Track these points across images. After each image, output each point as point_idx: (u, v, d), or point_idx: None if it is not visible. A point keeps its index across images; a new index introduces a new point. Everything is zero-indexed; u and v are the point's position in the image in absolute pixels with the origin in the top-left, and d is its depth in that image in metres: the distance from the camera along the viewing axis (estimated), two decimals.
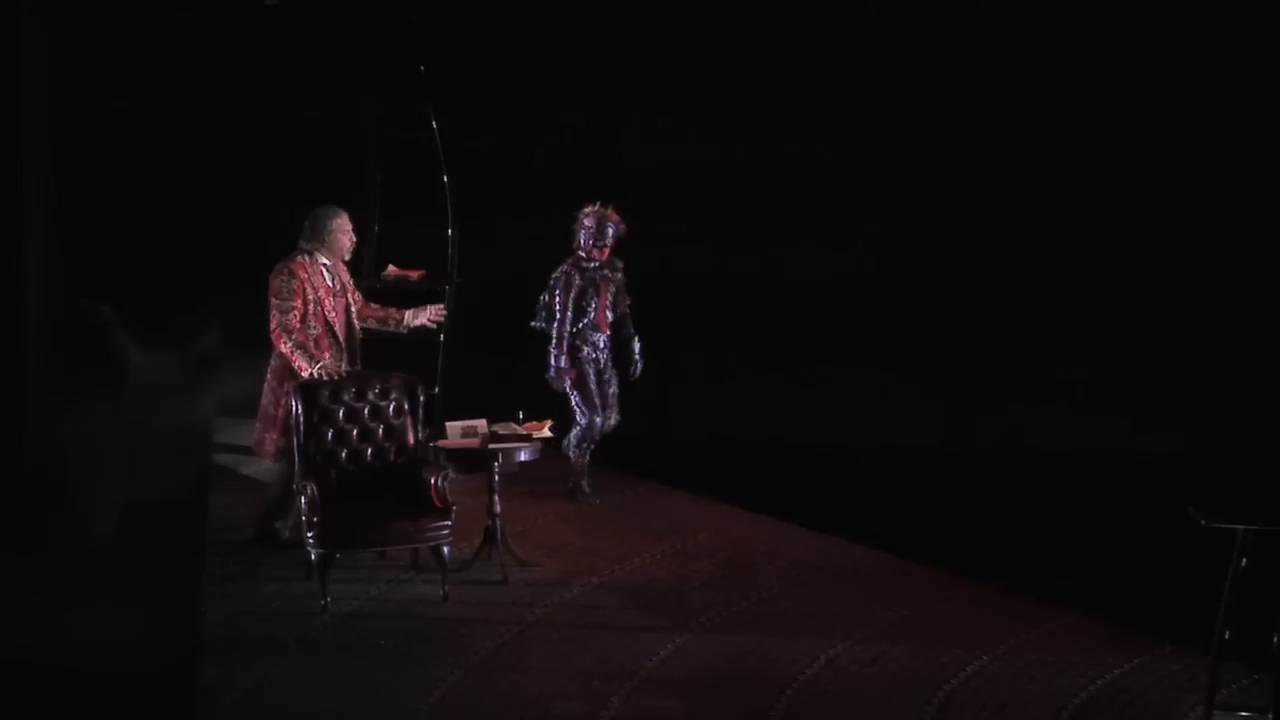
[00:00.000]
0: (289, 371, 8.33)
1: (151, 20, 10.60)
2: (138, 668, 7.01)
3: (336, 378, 8.26)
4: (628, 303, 9.35)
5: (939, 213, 10.77)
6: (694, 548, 8.71)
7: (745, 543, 8.78)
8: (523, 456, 8.29)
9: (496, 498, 8.29)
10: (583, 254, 9.18)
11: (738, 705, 6.79)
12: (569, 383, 9.24)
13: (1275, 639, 6.48)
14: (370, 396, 8.26)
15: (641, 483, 9.82)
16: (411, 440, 8.28)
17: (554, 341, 9.20)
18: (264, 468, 9.16)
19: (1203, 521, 6.55)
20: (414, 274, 9.69)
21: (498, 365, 10.50)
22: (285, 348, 8.28)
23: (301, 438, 8.10)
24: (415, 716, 6.66)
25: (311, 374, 8.23)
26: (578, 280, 9.16)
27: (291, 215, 8.64)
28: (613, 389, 9.37)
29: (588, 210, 9.18)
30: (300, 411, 8.10)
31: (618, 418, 9.38)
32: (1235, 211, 10.49)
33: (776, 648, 7.32)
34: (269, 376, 8.46)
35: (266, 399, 8.47)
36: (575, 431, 9.30)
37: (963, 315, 10.79)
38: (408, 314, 8.72)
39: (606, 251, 9.20)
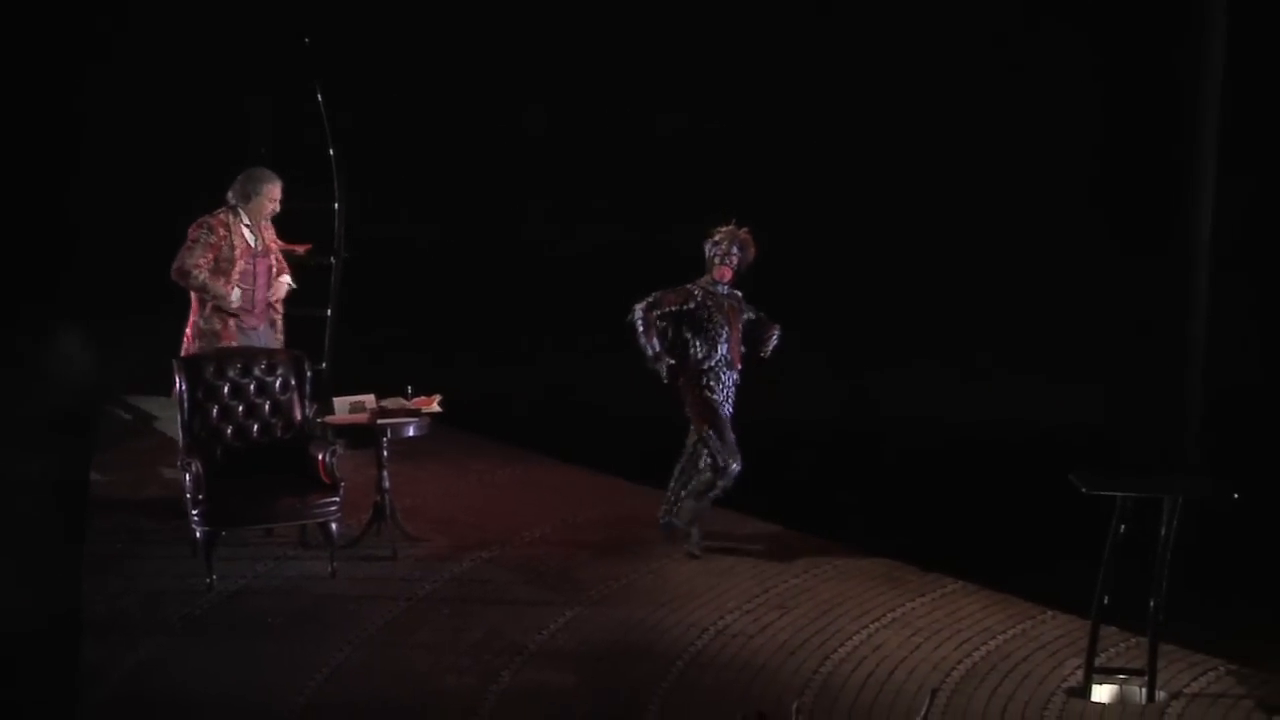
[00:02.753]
0: (205, 335, 8.34)
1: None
2: (18, 628, 6.89)
3: (250, 309, 8.35)
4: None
5: (837, 186, 10.85)
6: (584, 522, 8.73)
7: (635, 516, 8.80)
8: (411, 432, 8.24)
9: (385, 473, 8.25)
10: (714, 276, 8.36)
11: (628, 677, 6.82)
12: (706, 424, 8.25)
13: (1152, 603, 6.63)
14: (256, 372, 8.16)
15: (531, 456, 9.81)
16: (299, 416, 8.20)
17: (643, 330, 8.23)
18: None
19: (1083, 489, 6.67)
20: (300, 248, 9.56)
21: (386, 340, 10.44)
22: (194, 286, 8.32)
23: (186, 414, 8.00)
24: (304, 693, 6.61)
25: (231, 301, 8.31)
26: (708, 304, 8.29)
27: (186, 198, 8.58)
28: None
29: (721, 230, 8.37)
30: (184, 388, 8.00)
31: (739, 464, 8.31)
32: (1130, 183, 10.64)
33: (666, 619, 7.36)
34: (185, 340, 8.42)
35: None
36: (706, 476, 8.27)
37: (854, 288, 10.89)
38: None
39: (728, 272, 8.32)
